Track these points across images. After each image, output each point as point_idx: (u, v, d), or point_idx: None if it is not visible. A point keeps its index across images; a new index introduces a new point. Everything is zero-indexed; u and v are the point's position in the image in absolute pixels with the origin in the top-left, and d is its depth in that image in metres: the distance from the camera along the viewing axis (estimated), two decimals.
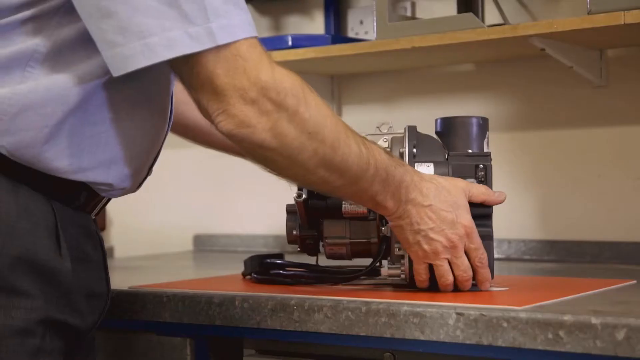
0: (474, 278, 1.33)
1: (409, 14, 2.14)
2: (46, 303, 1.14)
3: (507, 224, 2.00)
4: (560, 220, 2.01)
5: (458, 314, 1.17)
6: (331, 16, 2.25)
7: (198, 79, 1.11)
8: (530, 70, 2.02)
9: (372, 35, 2.05)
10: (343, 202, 1.39)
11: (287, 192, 1.43)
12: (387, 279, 1.42)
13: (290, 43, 2.00)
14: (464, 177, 1.36)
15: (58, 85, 1.13)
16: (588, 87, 1.95)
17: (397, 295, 1.31)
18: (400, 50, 1.87)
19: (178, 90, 1.31)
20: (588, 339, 1.08)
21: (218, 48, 1.09)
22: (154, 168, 1.33)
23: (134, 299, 1.44)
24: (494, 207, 1.36)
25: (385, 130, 1.43)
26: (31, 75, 1.13)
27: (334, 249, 1.44)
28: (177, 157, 2.32)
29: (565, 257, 1.97)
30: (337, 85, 2.29)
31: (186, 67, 1.11)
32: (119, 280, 1.37)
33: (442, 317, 1.18)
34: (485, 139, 1.42)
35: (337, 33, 2.24)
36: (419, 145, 1.38)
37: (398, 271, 1.37)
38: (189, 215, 2.52)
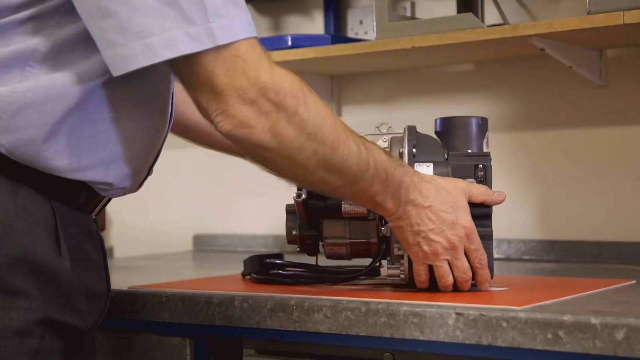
0: (473, 278, 1.33)
1: (408, 14, 2.14)
2: (45, 303, 1.14)
3: (507, 224, 2.00)
4: (560, 220, 2.01)
5: (457, 314, 1.17)
6: (331, 16, 2.25)
7: (197, 79, 1.11)
8: (530, 70, 2.02)
9: (371, 35, 2.05)
10: (342, 202, 1.39)
11: (286, 192, 1.43)
12: (386, 279, 1.42)
13: (289, 43, 2.00)
14: (464, 177, 1.36)
15: (57, 84, 1.13)
16: (588, 87, 1.95)
17: (396, 295, 1.31)
18: (400, 50, 1.87)
19: (178, 90, 1.31)
20: (587, 339, 1.08)
21: (218, 48, 1.09)
22: (154, 168, 1.33)
23: (133, 299, 1.44)
24: (494, 207, 1.36)
25: (385, 130, 1.43)
26: (30, 75, 1.13)
27: (334, 249, 1.44)
28: (177, 157, 2.32)
29: (565, 257, 1.97)
30: (337, 85, 2.29)
31: (186, 67, 1.11)
32: (119, 280, 1.37)
33: (441, 317, 1.18)
34: (485, 139, 1.42)
35: (337, 33, 2.24)
36: (418, 145, 1.38)
37: (397, 271, 1.37)
38: (189, 215, 2.52)
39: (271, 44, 2.00)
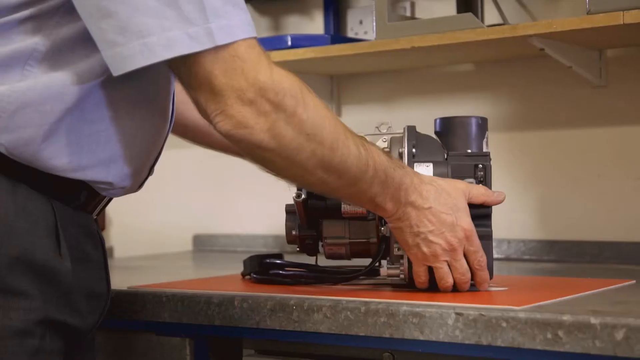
0: (472, 279, 1.33)
1: (408, 14, 2.14)
2: (45, 303, 1.14)
3: (506, 224, 2.00)
4: (560, 220, 2.01)
5: (457, 314, 1.17)
6: (331, 16, 2.25)
7: (196, 79, 1.11)
8: (530, 70, 2.02)
9: (371, 35, 2.05)
10: (342, 202, 1.39)
11: (286, 192, 1.43)
12: (386, 279, 1.42)
13: (289, 43, 2.00)
14: (463, 177, 1.36)
15: (57, 83, 1.13)
16: (587, 87, 1.95)
17: (396, 295, 1.31)
18: (400, 50, 1.87)
19: (178, 91, 1.31)
20: (587, 339, 1.08)
21: (216, 49, 1.09)
22: (155, 168, 1.33)
23: (133, 299, 1.44)
24: (494, 207, 1.36)
25: (385, 131, 1.43)
26: (30, 74, 1.13)
27: (333, 249, 1.44)
28: (177, 157, 2.32)
29: (565, 257, 1.97)
30: (337, 85, 2.29)
31: (184, 67, 1.11)
32: (119, 280, 1.37)
33: (441, 317, 1.18)
34: (485, 139, 1.42)
35: (337, 33, 2.24)
36: (418, 145, 1.38)
37: (397, 271, 1.37)
38: (189, 215, 2.52)
39: (271, 44, 2.00)
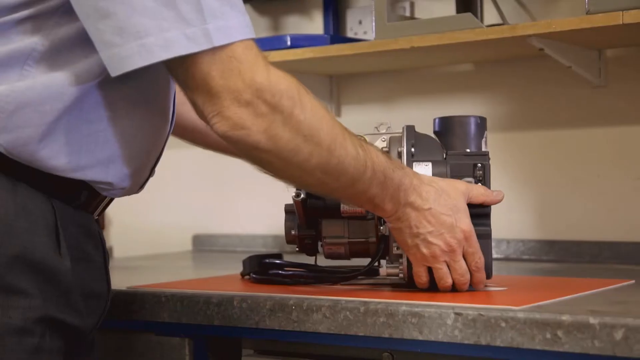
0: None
1: (407, 14, 2.14)
2: (45, 302, 1.14)
3: (506, 223, 2.00)
4: (560, 220, 2.01)
5: (456, 314, 1.17)
6: (330, 16, 2.25)
7: (193, 80, 1.11)
8: (529, 70, 2.02)
9: (371, 35, 2.05)
10: (341, 202, 1.39)
11: (286, 193, 1.43)
12: (385, 278, 1.42)
13: (289, 43, 2.00)
14: (462, 176, 1.36)
15: (55, 83, 1.13)
16: (587, 87, 1.95)
17: (395, 295, 1.31)
18: (399, 50, 1.87)
19: (177, 91, 1.31)
20: (586, 339, 1.08)
21: (214, 50, 1.09)
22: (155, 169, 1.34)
23: (132, 299, 1.44)
24: (493, 206, 1.36)
25: (384, 131, 1.43)
26: (29, 74, 1.13)
27: (333, 248, 1.44)
28: (177, 157, 2.32)
29: (564, 257, 1.97)
30: (336, 85, 2.29)
31: (182, 68, 1.11)
32: (118, 280, 1.37)
33: (440, 317, 1.18)
34: (484, 139, 1.42)
35: (336, 33, 2.24)
36: (417, 145, 1.38)
37: (397, 270, 1.37)
38: (188, 215, 2.52)
39: (270, 44, 2.00)
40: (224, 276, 1.69)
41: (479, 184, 1.36)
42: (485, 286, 1.37)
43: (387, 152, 1.36)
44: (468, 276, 1.31)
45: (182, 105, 1.37)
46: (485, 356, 1.17)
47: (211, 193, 2.49)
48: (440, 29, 1.82)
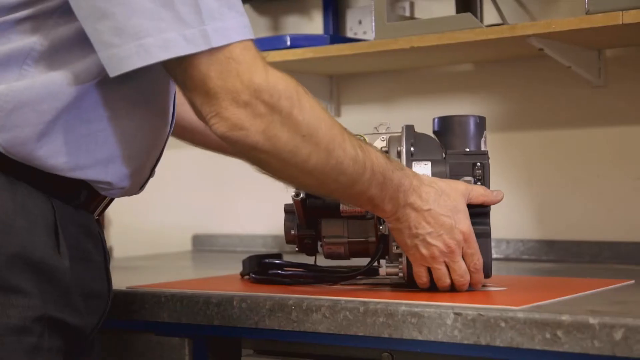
0: None
1: (407, 14, 2.14)
2: (43, 301, 1.14)
3: (505, 223, 2.01)
4: (559, 220, 2.01)
5: (456, 314, 1.17)
6: (330, 16, 2.25)
7: (192, 81, 1.11)
8: (529, 70, 2.02)
9: (370, 35, 2.05)
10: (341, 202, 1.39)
11: (285, 193, 1.43)
12: (385, 278, 1.42)
13: (288, 43, 2.00)
14: (462, 175, 1.36)
15: (54, 82, 1.13)
16: (586, 87, 1.95)
17: (395, 295, 1.31)
18: (399, 50, 1.87)
19: (177, 92, 1.31)
20: (586, 339, 1.08)
21: (212, 51, 1.09)
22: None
23: (132, 299, 1.44)
24: (493, 206, 1.36)
25: (383, 131, 1.43)
26: (27, 73, 1.13)
27: (332, 248, 1.44)
28: (176, 157, 2.32)
29: (564, 257, 1.97)
30: (336, 85, 2.29)
31: (180, 69, 1.11)
32: (118, 280, 1.37)
33: (440, 317, 1.18)
34: (483, 138, 1.42)
35: (336, 33, 2.24)
36: (416, 144, 1.38)
37: (396, 269, 1.37)
38: (188, 215, 2.52)
39: (270, 44, 2.00)
40: (223, 276, 1.69)
41: (479, 183, 1.36)
42: (485, 286, 1.37)
43: (386, 153, 1.36)
44: (467, 277, 1.31)
45: (181, 105, 1.37)
46: (485, 356, 1.17)
47: (211, 193, 2.49)
48: (440, 29, 1.82)
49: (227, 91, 1.10)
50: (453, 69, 2.14)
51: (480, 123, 1.42)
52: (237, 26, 1.11)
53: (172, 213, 2.55)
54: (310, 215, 1.44)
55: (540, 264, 1.95)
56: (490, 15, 1.98)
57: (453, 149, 1.40)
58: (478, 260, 1.31)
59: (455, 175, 1.36)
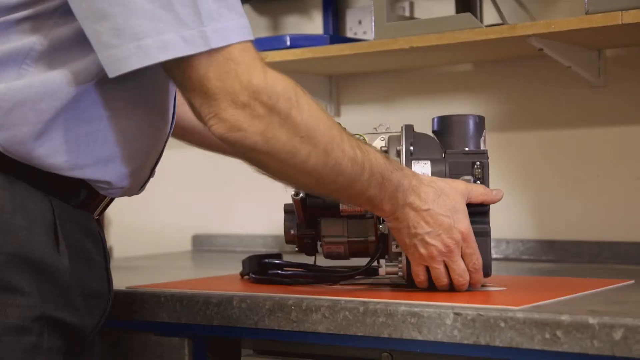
0: None
1: (407, 14, 2.14)
2: (42, 300, 1.14)
3: (505, 223, 2.01)
4: (559, 220, 2.01)
5: (455, 314, 1.17)
6: (329, 16, 2.25)
7: (190, 82, 1.11)
8: (529, 70, 2.02)
9: (370, 35, 2.05)
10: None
11: (285, 193, 1.43)
12: (385, 277, 1.42)
13: (288, 43, 2.00)
14: (461, 174, 1.36)
15: (53, 81, 1.13)
16: (586, 87, 1.95)
17: (394, 295, 1.31)
18: (399, 50, 1.87)
19: (177, 92, 1.31)
20: (585, 339, 1.08)
21: (211, 52, 1.09)
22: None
23: (132, 299, 1.44)
24: (492, 205, 1.37)
25: (383, 131, 1.43)
26: (27, 73, 1.13)
27: (332, 247, 1.44)
28: (176, 157, 2.32)
29: (564, 257, 1.97)
30: (336, 85, 2.29)
31: (179, 70, 1.11)
32: (117, 280, 1.37)
33: (439, 317, 1.18)
34: (482, 137, 1.42)
35: (336, 33, 2.24)
36: (415, 143, 1.39)
37: (396, 269, 1.37)
38: (188, 215, 2.52)
39: (270, 44, 2.00)
40: (223, 276, 1.69)
41: (478, 182, 1.37)
42: (485, 286, 1.37)
43: (386, 153, 1.36)
44: (467, 276, 1.31)
45: (181, 106, 1.37)
46: (485, 356, 1.17)
47: (211, 193, 2.49)
48: (439, 29, 1.82)
49: (226, 92, 1.10)
50: (453, 69, 2.14)
51: (480, 122, 1.42)
52: (236, 27, 1.11)
53: (172, 213, 2.55)
54: (310, 215, 1.44)
55: (540, 264, 1.95)
56: (490, 15, 1.98)
57: (452, 148, 1.40)
58: (477, 260, 1.31)
59: (454, 174, 1.36)
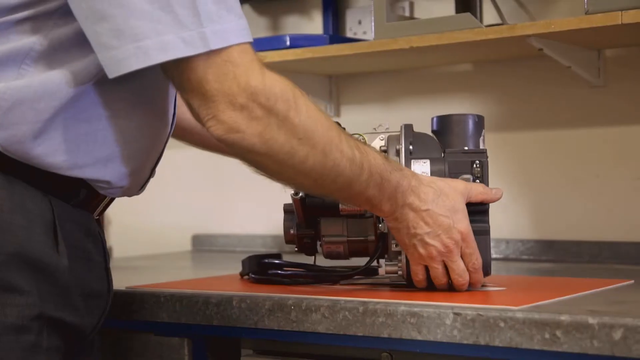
0: None
1: (407, 14, 2.14)
2: (41, 300, 1.14)
3: (505, 223, 2.01)
4: (559, 220, 2.01)
5: (455, 314, 1.17)
6: (329, 16, 2.25)
7: (189, 83, 1.11)
8: (528, 70, 2.02)
9: (370, 35, 2.05)
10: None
11: (284, 193, 1.43)
12: (385, 277, 1.42)
13: (288, 43, 2.00)
14: (460, 173, 1.36)
15: (52, 81, 1.13)
16: (586, 87, 1.95)
17: (394, 295, 1.31)
18: (399, 50, 1.87)
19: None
20: (585, 339, 1.08)
21: (209, 53, 1.10)
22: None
23: (131, 299, 1.44)
24: (492, 204, 1.37)
25: (382, 131, 1.43)
26: (26, 73, 1.14)
27: (332, 247, 1.44)
28: (176, 157, 2.32)
29: (564, 257, 1.97)
30: (335, 85, 2.29)
31: (177, 71, 1.12)
32: (117, 280, 1.37)
33: (439, 317, 1.18)
34: (482, 137, 1.42)
35: (335, 33, 2.24)
36: (415, 143, 1.39)
37: (395, 267, 1.37)
38: (188, 215, 2.52)
39: (269, 44, 2.00)
40: (223, 276, 1.69)
41: (477, 181, 1.37)
42: (484, 286, 1.37)
43: (385, 154, 1.36)
44: (466, 276, 1.31)
45: (180, 107, 1.37)
46: (484, 356, 1.17)
47: (211, 193, 2.49)
48: (439, 29, 1.82)
49: (224, 94, 1.11)
50: (452, 69, 2.14)
51: (479, 122, 1.42)
52: (235, 29, 1.12)
53: (172, 213, 2.55)
54: (309, 215, 1.44)
55: (539, 264, 1.95)
56: (489, 15, 1.98)
57: (452, 147, 1.40)
58: (477, 259, 1.31)
59: (453, 173, 1.36)
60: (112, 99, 1.19)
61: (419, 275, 1.32)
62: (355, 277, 1.45)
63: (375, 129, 1.43)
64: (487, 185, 1.37)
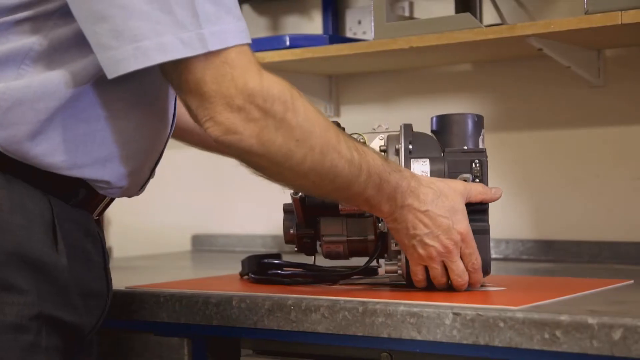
0: None
1: (407, 14, 2.14)
2: (40, 299, 1.14)
3: (505, 223, 2.01)
4: (559, 220, 2.01)
5: (455, 314, 1.17)
6: (329, 16, 2.25)
7: (187, 84, 1.12)
8: (528, 70, 2.02)
9: (370, 35, 2.05)
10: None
11: (284, 193, 1.43)
12: (384, 277, 1.42)
13: (288, 43, 2.00)
14: (460, 173, 1.36)
15: (52, 81, 1.14)
16: (586, 87, 1.95)
17: (394, 295, 1.31)
18: (398, 50, 1.87)
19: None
20: (585, 339, 1.08)
21: (207, 55, 1.10)
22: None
23: (131, 299, 1.44)
24: (491, 203, 1.37)
25: (382, 130, 1.43)
26: (26, 73, 1.14)
27: (331, 247, 1.44)
28: (176, 157, 2.32)
29: (563, 257, 1.97)
30: (335, 85, 2.29)
31: (176, 72, 1.12)
32: (117, 280, 1.37)
33: (438, 317, 1.18)
34: (481, 136, 1.42)
35: (335, 33, 2.24)
36: (414, 142, 1.39)
37: (395, 267, 1.37)
38: (188, 215, 2.52)
39: (269, 44, 2.00)
40: (222, 276, 1.69)
41: (477, 180, 1.37)
42: (484, 286, 1.37)
43: (384, 155, 1.36)
44: (466, 277, 1.31)
45: (179, 107, 1.37)
46: (484, 356, 1.17)
47: (211, 193, 2.49)
48: (439, 29, 1.82)
49: (222, 96, 1.11)
50: (452, 69, 2.14)
51: (478, 121, 1.42)
52: (233, 30, 1.12)
53: (172, 213, 2.55)
54: (309, 214, 1.44)
55: (539, 264, 1.95)
56: (489, 15, 1.98)
57: (451, 147, 1.40)
58: (476, 260, 1.31)
59: (453, 172, 1.36)
60: (111, 99, 1.19)
61: (418, 275, 1.32)
62: (355, 276, 1.45)
63: (374, 128, 1.43)
64: (487, 184, 1.37)
